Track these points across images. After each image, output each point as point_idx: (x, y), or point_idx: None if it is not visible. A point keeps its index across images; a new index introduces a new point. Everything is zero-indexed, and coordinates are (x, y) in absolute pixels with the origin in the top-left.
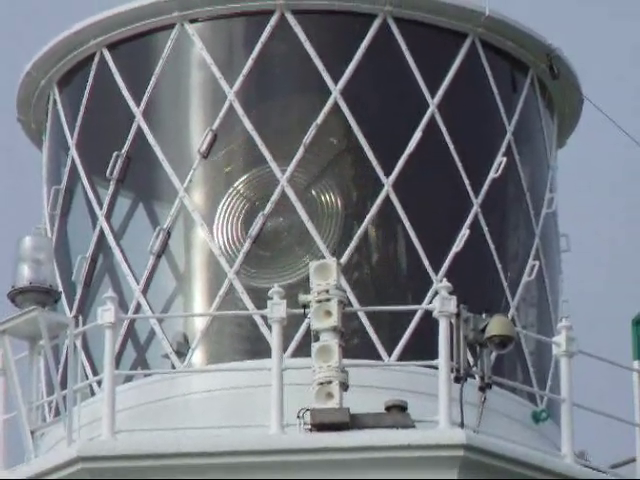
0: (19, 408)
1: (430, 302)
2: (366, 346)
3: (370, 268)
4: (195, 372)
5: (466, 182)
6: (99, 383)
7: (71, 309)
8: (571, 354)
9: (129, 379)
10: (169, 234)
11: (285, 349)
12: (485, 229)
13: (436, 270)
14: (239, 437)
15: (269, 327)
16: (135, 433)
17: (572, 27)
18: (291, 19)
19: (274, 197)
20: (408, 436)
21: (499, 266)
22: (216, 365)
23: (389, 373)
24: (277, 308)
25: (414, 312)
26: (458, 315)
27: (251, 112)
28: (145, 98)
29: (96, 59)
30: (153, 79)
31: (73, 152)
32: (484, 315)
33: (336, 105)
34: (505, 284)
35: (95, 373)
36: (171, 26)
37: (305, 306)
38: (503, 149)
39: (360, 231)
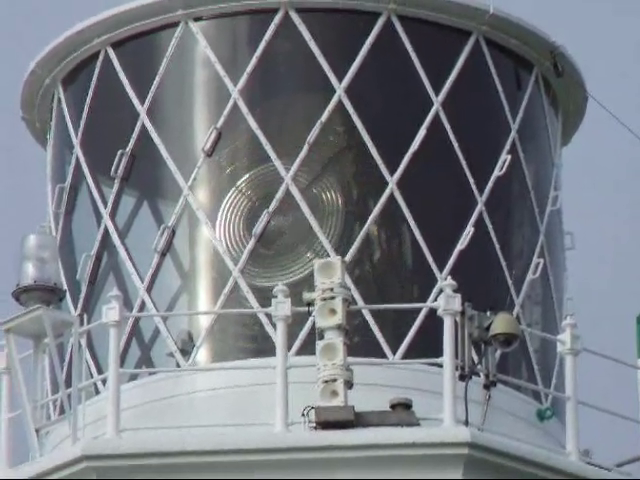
0: (24, 406)
1: (435, 300)
2: (371, 344)
3: (374, 266)
4: (200, 370)
5: (470, 180)
6: (104, 381)
7: (76, 307)
8: (576, 352)
9: (134, 377)
10: (174, 232)
11: (290, 347)
12: (490, 227)
13: (441, 268)
14: (244, 435)
15: (273, 325)
16: (140, 431)
17: (576, 24)
18: (295, 17)
19: (278, 195)
20: (413, 434)
21: (504, 264)
22: (221, 363)
23: (394, 371)
24: (281, 306)
25: (419, 310)
26: (463, 313)
27: (255, 110)
28: (149, 96)
29: (100, 57)
30: (157, 77)
31: (77, 150)
32: (489, 313)
33: (340, 103)
34: (510, 282)
35: (100, 371)
36: (175, 24)
37: (310, 304)
38: (507, 147)
39: (364, 229)
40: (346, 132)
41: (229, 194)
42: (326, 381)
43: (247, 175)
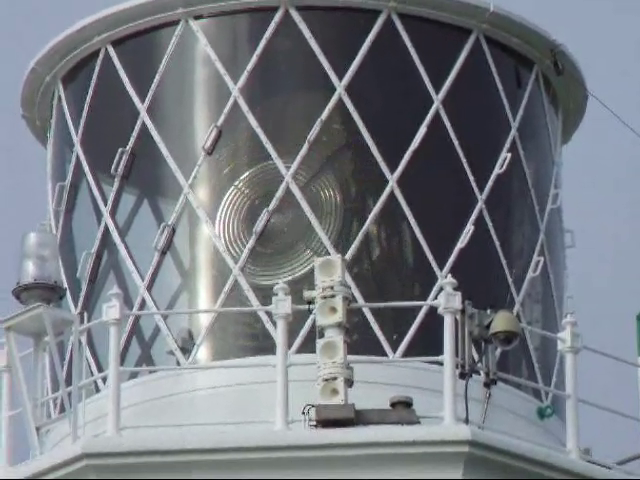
0: (24, 405)
1: (435, 298)
2: (371, 342)
3: (374, 264)
4: (200, 368)
5: (471, 178)
6: (104, 380)
7: (76, 306)
8: (576, 350)
9: (134, 375)
10: (174, 230)
11: (290, 345)
12: (490, 225)
13: (441, 266)
14: (244, 433)
15: (274, 323)
16: (140, 430)
17: (576, 22)
18: (295, 15)
19: (279, 193)
20: (413, 432)
21: (504, 262)
22: (221, 362)
23: (394, 369)
24: (282, 304)
25: (419, 308)
26: (463, 311)
27: (255, 108)
28: (150, 94)
29: (101, 55)
30: (157, 76)
31: (78, 148)
32: (489, 311)
33: (340, 101)
34: (510, 280)
35: (100, 370)
36: (175, 22)
37: (310, 302)
38: (508, 145)
39: (364, 227)
40: (346, 130)
41: (229, 192)
42: (326, 379)
43: (247, 173)
